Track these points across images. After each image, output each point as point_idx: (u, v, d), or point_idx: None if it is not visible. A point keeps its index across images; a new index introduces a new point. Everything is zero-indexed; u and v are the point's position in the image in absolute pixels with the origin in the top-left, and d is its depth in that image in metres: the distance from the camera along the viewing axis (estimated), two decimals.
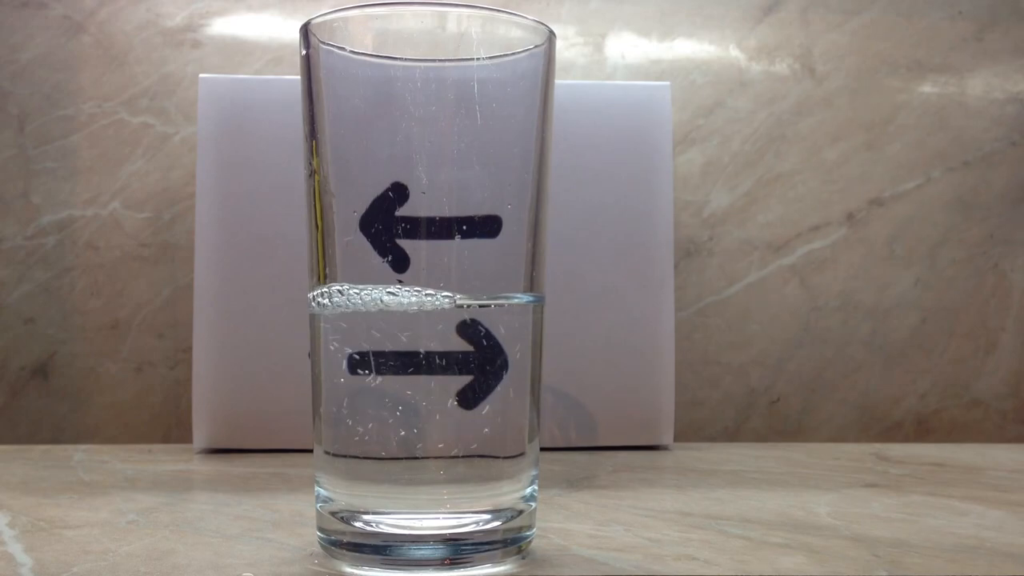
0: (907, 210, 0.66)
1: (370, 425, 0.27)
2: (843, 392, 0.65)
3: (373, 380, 0.27)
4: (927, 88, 0.67)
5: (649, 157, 0.55)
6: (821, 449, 0.57)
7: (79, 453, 0.51)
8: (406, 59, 0.27)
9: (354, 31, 0.27)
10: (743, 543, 0.30)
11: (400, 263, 0.27)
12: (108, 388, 0.61)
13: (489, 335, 0.27)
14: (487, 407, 0.27)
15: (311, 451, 0.54)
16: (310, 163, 0.28)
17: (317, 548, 0.29)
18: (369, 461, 0.27)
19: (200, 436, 0.52)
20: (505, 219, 0.27)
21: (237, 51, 0.62)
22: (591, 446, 0.53)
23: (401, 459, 0.27)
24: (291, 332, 0.52)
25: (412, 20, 0.27)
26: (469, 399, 0.27)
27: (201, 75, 0.53)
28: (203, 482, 0.43)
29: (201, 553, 0.29)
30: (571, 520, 0.34)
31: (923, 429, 0.66)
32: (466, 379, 0.27)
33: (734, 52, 0.66)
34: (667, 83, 0.56)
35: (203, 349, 0.52)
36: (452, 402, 0.27)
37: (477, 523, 0.27)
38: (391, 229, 0.27)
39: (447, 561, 0.26)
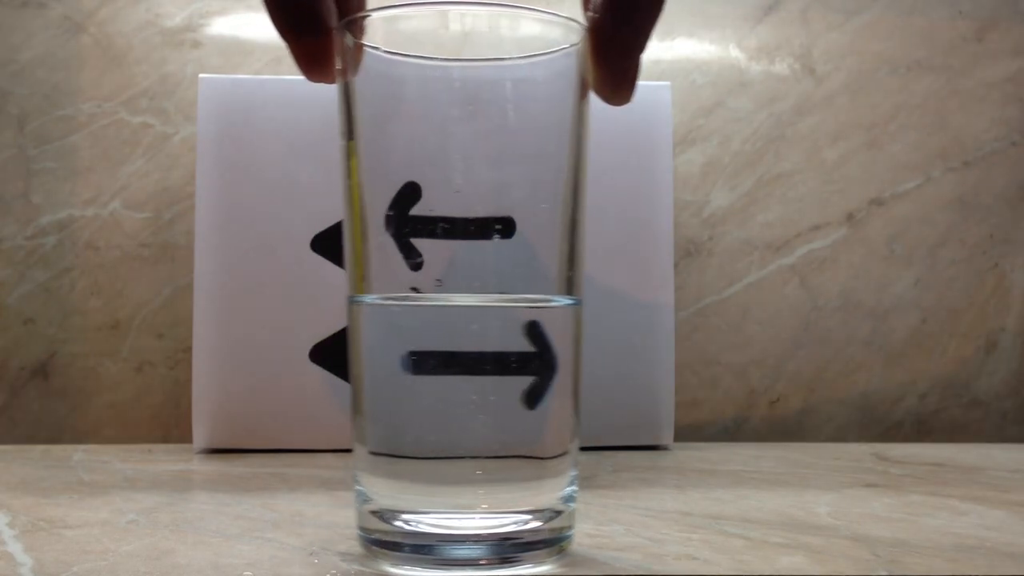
0: (907, 210, 0.66)
1: (411, 424, 0.27)
2: (843, 392, 0.65)
3: (414, 379, 0.27)
4: (927, 88, 0.67)
5: (649, 157, 0.55)
6: (821, 449, 0.57)
7: (79, 453, 0.51)
8: (440, 59, 0.27)
9: (388, 31, 0.27)
10: (743, 543, 0.30)
11: (435, 264, 0.27)
12: (108, 388, 0.61)
13: (544, 335, 0.27)
14: (533, 407, 0.27)
15: (311, 451, 0.54)
16: (346, 163, 0.28)
17: (317, 548, 0.29)
18: (410, 460, 0.27)
19: (200, 436, 0.52)
20: (540, 220, 0.27)
21: (237, 51, 0.62)
22: (591, 446, 0.53)
23: (442, 458, 0.27)
24: (291, 332, 0.52)
25: (446, 20, 0.27)
26: (532, 399, 0.27)
27: (201, 75, 0.53)
28: (203, 482, 0.43)
29: (201, 553, 0.29)
30: None
31: (923, 429, 0.66)
32: (511, 379, 0.27)
33: (734, 52, 0.66)
34: (667, 83, 0.56)
35: (203, 349, 0.52)
36: (492, 400, 0.27)
37: (517, 523, 0.27)
38: (426, 229, 0.27)
39: (487, 561, 0.26)
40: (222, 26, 0.63)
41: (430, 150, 0.27)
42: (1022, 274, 0.67)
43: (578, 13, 0.28)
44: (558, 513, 0.28)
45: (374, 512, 0.28)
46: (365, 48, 0.27)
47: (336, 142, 0.54)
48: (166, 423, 0.61)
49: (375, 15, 0.27)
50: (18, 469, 0.45)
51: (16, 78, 0.62)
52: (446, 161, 0.27)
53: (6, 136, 0.61)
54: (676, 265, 0.64)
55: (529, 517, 0.27)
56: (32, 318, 0.61)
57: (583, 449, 0.53)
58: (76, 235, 0.61)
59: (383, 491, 0.27)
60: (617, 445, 0.54)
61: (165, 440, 0.61)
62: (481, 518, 0.27)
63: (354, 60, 0.27)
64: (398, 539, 0.27)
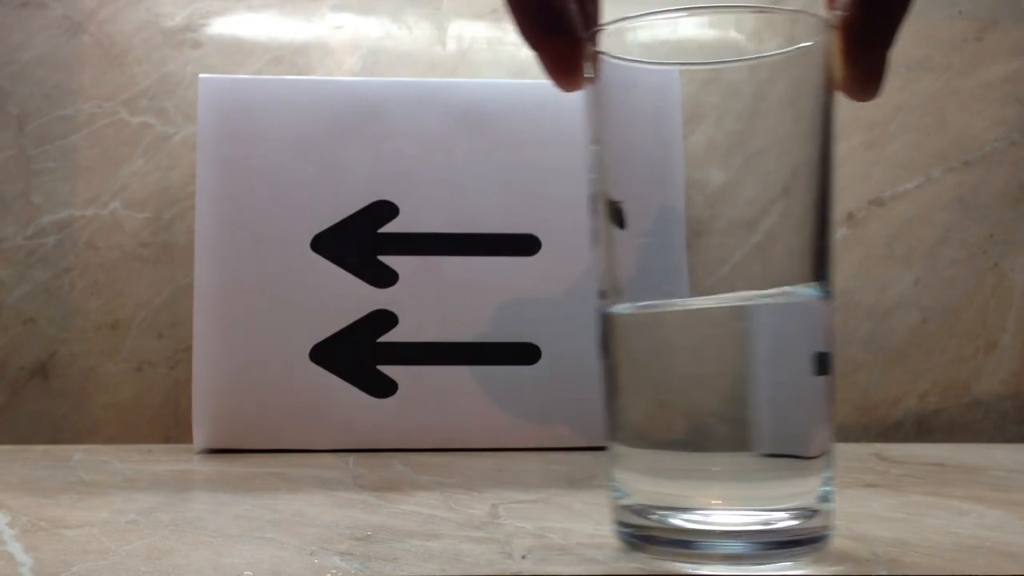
0: (907, 210, 0.66)
1: (678, 420, 0.28)
2: (843, 392, 0.65)
3: (686, 376, 0.28)
4: (927, 88, 0.67)
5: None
6: None
7: (79, 453, 0.51)
8: (682, 63, 0.27)
9: (630, 40, 0.28)
10: None
11: (682, 270, 0.27)
12: (108, 388, 0.61)
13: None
14: (800, 406, 0.28)
15: (311, 451, 0.54)
16: (596, 169, 0.28)
17: (317, 548, 0.29)
18: (675, 455, 0.28)
19: (200, 436, 0.52)
20: (792, 213, 0.28)
21: (237, 51, 0.62)
22: (592, 446, 0.53)
23: (705, 452, 0.28)
24: (291, 332, 0.52)
25: (686, 26, 0.27)
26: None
27: (201, 75, 0.53)
28: (203, 482, 0.43)
29: (201, 553, 0.29)
30: (572, 519, 0.34)
31: (923, 429, 0.66)
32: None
33: None
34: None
35: (203, 349, 0.52)
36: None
37: (769, 522, 0.27)
38: (675, 231, 0.27)
39: (745, 557, 0.26)
40: (222, 26, 0.63)
41: (676, 153, 0.27)
42: (1022, 274, 0.67)
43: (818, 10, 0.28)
44: (815, 512, 0.28)
45: (628, 507, 0.28)
46: (607, 57, 0.28)
47: (336, 142, 0.54)
48: (166, 423, 0.61)
49: (617, 25, 0.27)
50: (18, 469, 0.45)
51: (16, 78, 0.62)
52: (696, 163, 0.27)
53: (6, 136, 0.61)
54: None
55: (786, 515, 0.27)
56: (32, 318, 0.61)
57: (584, 449, 0.53)
58: (76, 235, 0.61)
59: (639, 486, 0.28)
60: None
61: (165, 440, 0.61)
62: (736, 514, 0.27)
63: (598, 68, 0.28)
64: (657, 533, 0.27)
